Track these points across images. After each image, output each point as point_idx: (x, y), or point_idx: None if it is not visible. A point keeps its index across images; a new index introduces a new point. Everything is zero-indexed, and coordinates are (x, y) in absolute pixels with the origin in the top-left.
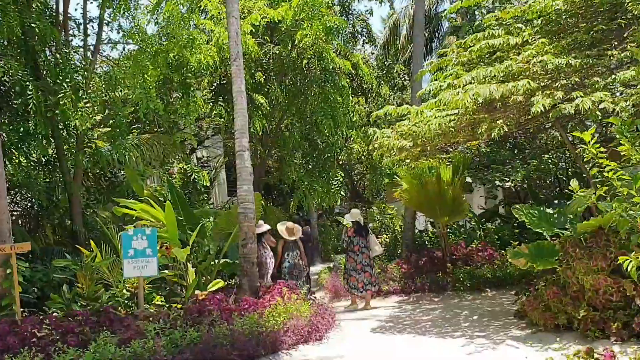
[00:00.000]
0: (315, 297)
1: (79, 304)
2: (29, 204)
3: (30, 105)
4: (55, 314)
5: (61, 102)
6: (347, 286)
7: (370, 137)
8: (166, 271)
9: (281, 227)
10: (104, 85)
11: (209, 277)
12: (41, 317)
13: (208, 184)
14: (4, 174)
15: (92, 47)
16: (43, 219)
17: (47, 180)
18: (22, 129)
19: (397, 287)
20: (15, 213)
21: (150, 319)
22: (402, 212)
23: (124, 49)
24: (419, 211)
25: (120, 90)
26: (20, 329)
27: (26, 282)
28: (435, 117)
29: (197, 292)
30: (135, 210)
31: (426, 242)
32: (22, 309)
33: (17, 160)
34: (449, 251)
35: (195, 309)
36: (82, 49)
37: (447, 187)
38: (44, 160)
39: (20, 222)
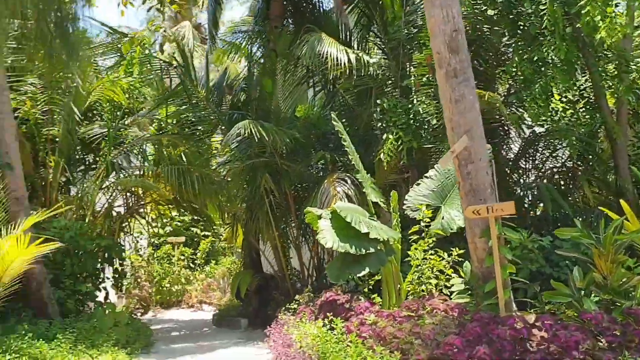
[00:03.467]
0: None
1: (597, 299)
2: (565, 157)
3: (545, 25)
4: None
5: (582, 12)
6: None
7: None
8: None
9: None
10: None
11: None
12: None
13: None
14: None
15: None
16: (580, 175)
17: (586, 124)
18: (535, 57)
19: None
20: (554, 169)
21: None
22: None
23: None
24: None
25: None
26: (496, 333)
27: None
28: None
29: None
30: None
31: None
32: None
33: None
34: None
35: None
36: None
37: None
38: (581, 100)
39: (554, 180)
